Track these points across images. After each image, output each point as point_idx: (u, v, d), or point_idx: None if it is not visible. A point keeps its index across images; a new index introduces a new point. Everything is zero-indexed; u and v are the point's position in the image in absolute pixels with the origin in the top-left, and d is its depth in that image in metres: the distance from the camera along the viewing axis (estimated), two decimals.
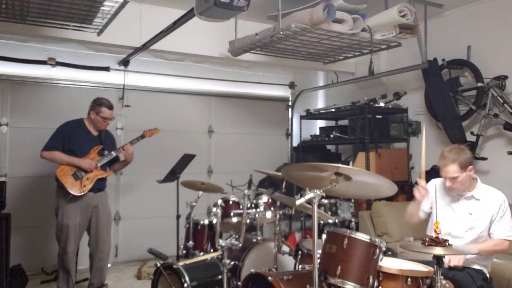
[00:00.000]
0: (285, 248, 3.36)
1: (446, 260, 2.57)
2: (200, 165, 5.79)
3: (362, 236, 2.31)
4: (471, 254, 2.58)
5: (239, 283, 3.10)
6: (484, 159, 4.18)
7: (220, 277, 3.14)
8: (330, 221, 3.31)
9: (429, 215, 2.94)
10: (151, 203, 5.52)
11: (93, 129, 3.96)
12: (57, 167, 3.75)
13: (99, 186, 3.90)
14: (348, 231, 2.31)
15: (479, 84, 4.15)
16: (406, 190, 4.89)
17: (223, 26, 3.73)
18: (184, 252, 3.90)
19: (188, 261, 3.28)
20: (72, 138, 3.83)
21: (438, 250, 2.13)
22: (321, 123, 6.35)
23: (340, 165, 2.24)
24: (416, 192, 2.78)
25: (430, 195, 2.86)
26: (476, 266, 2.71)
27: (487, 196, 2.74)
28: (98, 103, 3.90)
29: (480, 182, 2.80)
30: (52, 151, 3.77)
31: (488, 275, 2.72)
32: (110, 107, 3.93)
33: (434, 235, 2.22)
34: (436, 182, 2.92)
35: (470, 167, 2.69)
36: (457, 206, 2.79)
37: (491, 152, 4.23)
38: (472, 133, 4.25)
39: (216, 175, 6.04)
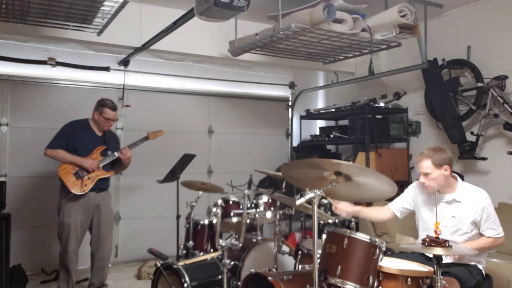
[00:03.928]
0: (285, 248, 3.36)
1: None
2: (200, 165, 5.79)
3: (362, 236, 2.31)
4: (469, 253, 2.58)
5: (239, 283, 3.10)
6: (484, 159, 4.18)
7: (220, 277, 3.14)
8: (330, 221, 3.31)
9: (406, 214, 3.02)
10: (151, 203, 5.52)
11: (97, 130, 3.98)
12: (60, 166, 3.76)
13: (102, 186, 3.91)
14: (348, 231, 2.32)
15: (479, 84, 4.15)
16: None
17: (223, 26, 3.72)
18: (184, 252, 3.90)
19: (188, 261, 3.28)
20: (76, 137, 3.85)
21: (438, 250, 2.13)
22: (321, 123, 6.35)
23: (340, 161, 2.24)
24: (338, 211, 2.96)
25: (409, 194, 2.97)
26: (471, 263, 2.72)
27: (468, 197, 2.71)
28: (101, 104, 3.92)
29: (460, 182, 2.79)
30: (55, 149, 3.79)
31: (483, 271, 2.73)
32: (114, 108, 3.95)
33: (434, 235, 2.22)
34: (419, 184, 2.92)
35: (446, 166, 2.69)
36: (440, 210, 2.74)
37: (491, 152, 4.23)
38: (472, 133, 4.24)
39: (216, 175, 6.04)
